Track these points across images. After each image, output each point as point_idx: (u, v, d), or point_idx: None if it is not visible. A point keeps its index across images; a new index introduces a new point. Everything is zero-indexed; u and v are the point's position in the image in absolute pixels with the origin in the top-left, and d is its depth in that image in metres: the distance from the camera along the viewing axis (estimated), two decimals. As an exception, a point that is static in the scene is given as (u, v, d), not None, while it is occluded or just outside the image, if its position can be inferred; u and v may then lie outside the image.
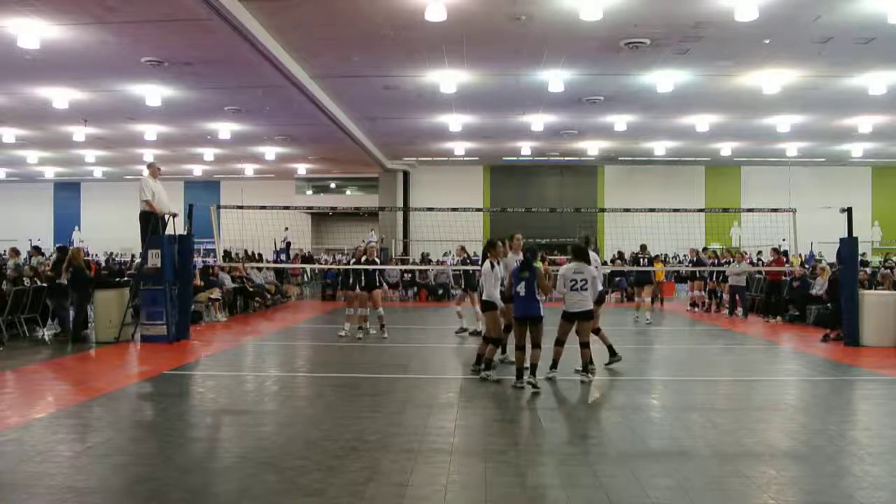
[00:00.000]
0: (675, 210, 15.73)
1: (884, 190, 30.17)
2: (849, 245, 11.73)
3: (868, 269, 17.60)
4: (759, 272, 17.22)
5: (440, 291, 22.60)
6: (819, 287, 14.74)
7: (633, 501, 4.46)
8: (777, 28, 12.20)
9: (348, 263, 13.44)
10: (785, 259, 16.52)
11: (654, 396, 7.94)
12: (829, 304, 13.51)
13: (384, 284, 12.62)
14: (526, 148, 25.28)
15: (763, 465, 5.21)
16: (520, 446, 5.83)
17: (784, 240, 17.21)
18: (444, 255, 25.63)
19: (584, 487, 4.72)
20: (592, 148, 25.06)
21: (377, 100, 17.80)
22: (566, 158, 27.88)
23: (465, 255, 14.44)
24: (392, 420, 6.45)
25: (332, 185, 34.08)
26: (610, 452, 5.56)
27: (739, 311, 16.65)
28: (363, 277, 12.03)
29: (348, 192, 34.21)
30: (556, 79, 15.40)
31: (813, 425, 6.56)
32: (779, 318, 15.39)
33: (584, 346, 8.21)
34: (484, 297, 8.58)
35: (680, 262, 25.38)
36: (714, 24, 12.02)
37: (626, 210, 15.05)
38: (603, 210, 28.52)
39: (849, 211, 11.80)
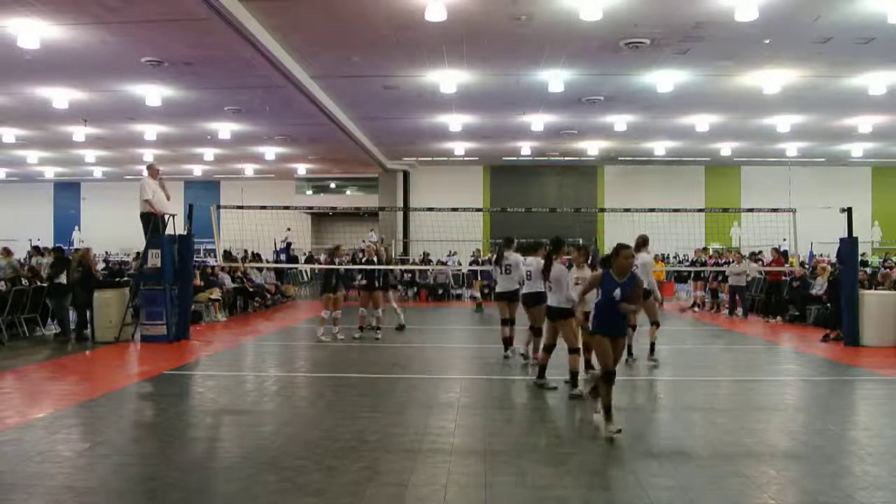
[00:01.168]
0: (675, 210, 15.74)
1: (884, 190, 30.12)
2: (849, 245, 11.73)
3: (868, 269, 17.60)
4: (760, 272, 17.22)
5: (440, 291, 22.63)
6: (819, 287, 14.74)
7: (633, 501, 4.46)
8: (777, 28, 12.19)
9: (325, 263, 13.55)
10: (784, 259, 16.53)
11: (655, 396, 7.93)
12: (829, 304, 13.51)
13: (386, 285, 12.61)
14: (526, 148, 25.25)
15: (763, 465, 5.21)
16: (520, 446, 5.83)
17: (784, 240, 17.21)
18: (451, 254, 25.64)
19: (584, 487, 4.72)
20: (592, 148, 25.04)
21: (377, 100, 17.79)
22: (566, 158, 27.84)
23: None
24: (392, 420, 6.45)
25: (332, 186, 34.03)
26: (610, 452, 5.56)
27: (739, 311, 16.66)
28: (363, 277, 12.06)
29: (348, 193, 34.15)
30: (555, 79, 15.39)
31: (813, 425, 6.56)
32: (779, 318, 15.39)
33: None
34: (564, 304, 7.70)
35: (680, 262, 25.38)
36: (714, 24, 12.01)
37: (627, 210, 15.02)
38: (603, 210, 28.47)
39: (849, 211, 11.80)
